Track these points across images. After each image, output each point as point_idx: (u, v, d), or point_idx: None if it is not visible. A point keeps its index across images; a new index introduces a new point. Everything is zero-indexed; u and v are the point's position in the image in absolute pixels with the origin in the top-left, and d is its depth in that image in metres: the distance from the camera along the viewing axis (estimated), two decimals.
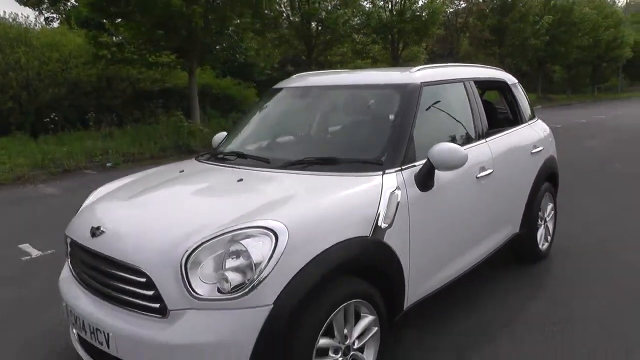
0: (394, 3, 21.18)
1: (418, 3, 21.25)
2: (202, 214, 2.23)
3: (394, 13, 20.63)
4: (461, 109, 3.30)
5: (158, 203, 2.54)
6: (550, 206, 4.22)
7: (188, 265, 1.93)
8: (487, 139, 3.37)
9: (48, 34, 14.00)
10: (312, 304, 2.01)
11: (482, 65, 4.22)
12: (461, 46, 29.67)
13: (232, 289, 1.89)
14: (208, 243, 1.96)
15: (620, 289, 3.56)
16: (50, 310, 3.49)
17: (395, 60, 22.28)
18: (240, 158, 2.98)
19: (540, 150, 4.03)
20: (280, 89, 3.57)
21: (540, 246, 4.06)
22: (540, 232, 4.06)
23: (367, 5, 20.69)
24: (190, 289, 1.92)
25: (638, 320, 3.09)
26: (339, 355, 2.19)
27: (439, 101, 3.06)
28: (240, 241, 1.94)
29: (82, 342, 2.38)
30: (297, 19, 17.10)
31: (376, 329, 2.36)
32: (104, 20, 12.66)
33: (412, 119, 2.76)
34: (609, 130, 14.10)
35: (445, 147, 2.58)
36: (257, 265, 1.91)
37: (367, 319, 2.31)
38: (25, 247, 4.92)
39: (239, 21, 13.53)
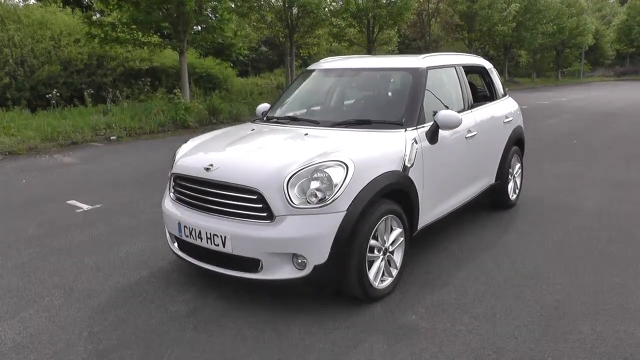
0: None
1: None
2: (291, 153, 3.15)
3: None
4: (453, 87, 4.30)
5: (253, 147, 3.46)
6: (517, 165, 5.30)
7: (289, 185, 2.86)
8: (472, 110, 4.39)
9: (37, 12, 14.32)
10: (368, 213, 2.97)
11: (467, 53, 5.23)
12: (432, 31, 30.77)
13: (318, 201, 2.84)
14: (302, 170, 2.89)
15: (568, 226, 4.65)
16: (128, 242, 4.37)
17: (371, 44, 23.25)
18: (294, 121, 3.92)
19: (511, 120, 5.08)
20: (313, 70, 4.52)
21: (510, 196, 5.13)
22: (511, 185, 5.13)
23: None
24: (290, 201, 2.85)
25: (579, 247, 4.18)
26: (380, 253, 3.18)
27: (439, 80, 4.06)
28: (324, 169, 2.88)
29: (184, 248, 3.31)
30: (279, 3, 17.79)
31: (402, 239, 3.34)
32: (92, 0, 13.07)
33: (422, 93, 3.74)
34: (569, 111, 15.49)
35: (447, 113, 3.58)
36: (335, 185, 2.86)
37: (396, 231, 3.29)
38: (74, 202, 5.69)
39: (231, 5, 14.16)
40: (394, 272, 3.31)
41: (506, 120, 4.96)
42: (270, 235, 2.87)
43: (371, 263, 3.12)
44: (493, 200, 5.05)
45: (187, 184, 3.29)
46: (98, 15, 13.76)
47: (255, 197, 2.92)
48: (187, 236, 3.21)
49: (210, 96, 14.53)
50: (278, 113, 4.23)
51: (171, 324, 3.01)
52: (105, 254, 4.14)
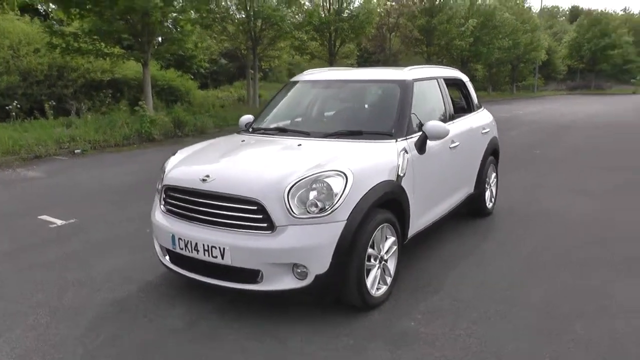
0: (331, 2, 22.44)
1: (354, 3, 22.66)
2: (289, 164, 3.15)
3: (331, 12, 21.87)
4: (436, 99, 4.43)
5: (249, 158, 3.46)
6: (493, 175, 5.48)
7: (289, 195, 2.87)
8: (454, 121, 4.53)
9: None
10: (367, 222, 3.00)
11: (446, 67, 5.39)
12: (392, 44, 31.42)
13: (318, 211, 2.86)
14: (302, 180, 2.90)
15: (542, 232, 4.84)
16: (109, 256, 4.26)
17: (332, 57, 23.54)
18: (282, 132, 3.93)
19: (488, 131, 5.26)
20: (297, 82, 4.55)
21: (487, 204, 5.30)
22: (487, 193, 5.29)
23: (307, 4, 21.79)
24: (290, 211, 2.86)
25: (555, 252, 4.36)
26: (376, 262, 3.22)
27: (424, 92, 4.17)
28: (324, 179, 2.90)
29: (176, 261, 3.27)
30: (243, 16, 17.80)
31: (395, 247, 3.40)
32: (51, 9, 12.72)
33: (410, 104, 3.83)
34: (527, 123, 16.09)
35: (435, 123, 3.68)
36: (336, 195, 2.88)
37: (390, 240, 3.34)
38: (46, 217, 5.48)
39: (193, 15, 14.06)
40: (389, 280, 3.36)
41: (484, 131, 5.13)
42: (271, 246, 2.86)
43: (368, 272, 3.15)
44: (471, 209, 5.19)
45: (181, 196, 3.25)
46: (56, 25, 13.33)
47: (255, 207, 2.92)
48: (181, 249, 3.16)
49: (172, 109, 14.36)
50: (265, 124, 4.23)
51: (169, 338, 2.95)
52: (87, 270, 4.02)
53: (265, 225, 2.91)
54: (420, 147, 3.68)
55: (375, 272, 3.21)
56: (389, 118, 3.77)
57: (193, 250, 3.08)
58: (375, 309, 3.23)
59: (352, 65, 32.88)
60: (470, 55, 34.28)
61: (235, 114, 16.23)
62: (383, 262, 3.29)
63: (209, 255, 3.01)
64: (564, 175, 7.61)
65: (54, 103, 12.28)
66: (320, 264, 2.87)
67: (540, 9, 47.19)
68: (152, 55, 13.21)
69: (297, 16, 20.24)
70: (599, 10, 44.88)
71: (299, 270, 2.91)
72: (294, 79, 4.67)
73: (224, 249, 2.95)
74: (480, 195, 5.09)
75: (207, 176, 3.10)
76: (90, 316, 3.24)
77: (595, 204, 5.86)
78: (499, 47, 34.14)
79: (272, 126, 4.13)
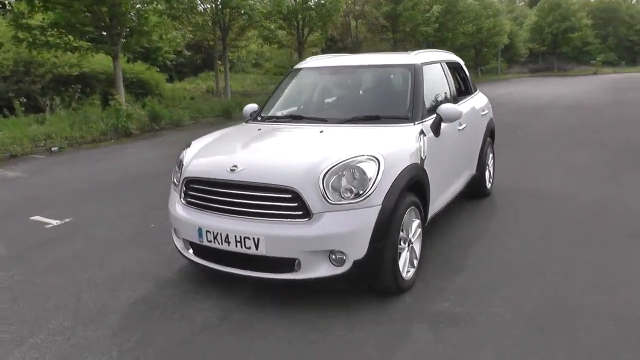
0: None
1: None
2: (319, 150, 3.10)
3: (298, 1, 21.71)
4: (442, 82, 4.44)
5: (274, 146, 3.42)
6: (491, 155, 5.55)
7: (324, 182, 2.83)
8: (459, 104, 4.55)
9: None
10: (398, 205, 2.99)
11: (445, 51, 5.41)
12: (359, 32, 31.42)
13: (353, 196, 2.84)
14: (336, 166, 2.87)
15: (543, 210, 4.95)
16: (117, 255, 4.13)
17: (301, 46, 23.41)
18: (297, 119, 3.88)
19: (486, 113, 5.32)
20: (301, 69, 4.49)
21: (487, 185, 5.38)
22: (487, 174, 5.38)
23: None
24: (326, 198, 2.82)
25: (536, 217, 4.48)
26: (406, 245, 3.22)
27: (431, 76, 4.18)
28: (357, 164, 2.88)
29: (202, 254, 3.21)
30: (212, 5, 17.45)
31: (420, 230, 3.41)
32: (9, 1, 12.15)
33: (422, 88, 3.84)
34: (500, 105, 16.38)
35: (449, 106, 3.71)
36: (370, 179, 2.86)
37: (416, 222, 3.34)
38: (39, 218, 5.27)
39: (161, 7, 13.69)
40: (415, 263, 3.37)
41: (483, 113, 5.19)
42: (309, 234, 2.83)
43: (399, 255, 3.16)
44: (472, 190, 5.25)
45: (207, 187, 3.16)
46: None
47: (289, 195, 2.87)
48: (209, 241, 3.09)
49: (143, 102, 13.98)
50: (276, 112, 4.16)
51: (206, 334, 2.88)
52: (98, 269, 3.88)
53: (300, 213, 2.86)
54: (436, 129, 3.69)
55: (405, 255, 3.22)
56: (403, 102, 3.76)
57: (223, 242, 3.01)
58: (406, 292, 3.24)
59: (318, 54, 32.83)
60: (435, 41, 34.68)
61: (208, 105, 16.02)
62: (411, 245, 3.29)
63: (241, 247, 2.95)
64: (551, 154, 7.78)
65: (24, 100, 11.77)
66: (358, 250, 2.86)
67: None
68: (122, 47, 12.80)
69: (265, 5, 19.94)
70: None
71: (336, 257, 2.88)
72: (298, 66, 4.60)
73: (258, 239, 2.89)
74: (482, 176, 5.16)
75: (235, 166, 3.03)
76: (116, 316, 3.13)
77: (591, 182, 6.02)
78: (464, 33, 34.71)
79: (285, 113, 4.07)
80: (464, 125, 4.35)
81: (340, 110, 3.98)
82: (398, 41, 32.82)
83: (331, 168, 2.88)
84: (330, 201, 2.84)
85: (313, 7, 21.68)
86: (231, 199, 3.03)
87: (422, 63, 4.05)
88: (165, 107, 13.41)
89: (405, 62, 4.06)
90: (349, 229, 2.83)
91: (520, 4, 56.32)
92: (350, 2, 29.66)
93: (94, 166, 8.11)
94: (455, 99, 4.53)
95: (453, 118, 3.69)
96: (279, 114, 4.13)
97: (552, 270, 3.55)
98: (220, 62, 20.30)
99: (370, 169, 2.90)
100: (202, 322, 3.01)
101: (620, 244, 4.01)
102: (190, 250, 3.33)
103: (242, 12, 16.30)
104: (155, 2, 12.87)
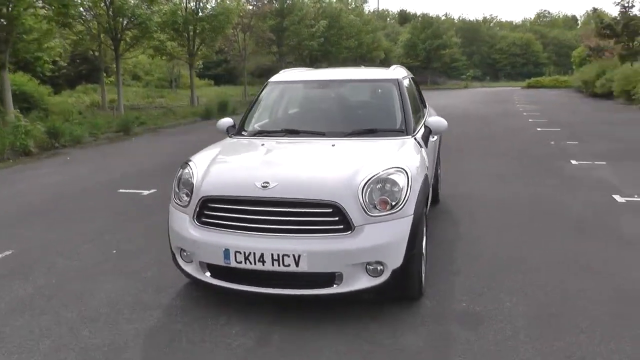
0: (187, 1, 21.77)
1: (212, 2, 22.30)
2: (348, 164, 3.19)
3: (189, 12, 21.23)
4: (413, 96, 4.72)
5: (298, 161, 3.39)
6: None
7: (363, 195, 2.90)
8: (426, 115, 4.88)
9: None
10: (423, 213, 3.17)
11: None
12: (247, 45, 31.37)
13: (390, 207, 2.94)
14: (372, 179, 2.96)
15: (485, 209, 5.48)
16: (95, 286, 3.81)
17: (192, 57, 22.88)
18: (292, 133, 3.87)
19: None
20: (280, 82, 4.51)
21: (438, 192, 5.78)
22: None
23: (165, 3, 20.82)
24: (366, 211, 2.89)
25: (483, 219, 4.99)
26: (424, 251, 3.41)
27: (408, 89, 4.44)
28: (390, 176, 2.98)
29: (222, 276, 3.10)
30: (102, 12, 16.37)
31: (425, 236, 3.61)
32: None
33: (408, 102, 4.06)
34: None
35: (436, 118, 4.00)
36: (402, 190, 2.98)
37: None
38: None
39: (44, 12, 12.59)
40: (424, 268, 3.55)
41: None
42: (352, 247, 2.87)
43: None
44: (432, 197, 5.61)
45: (232, 206, 3.05)
46: None
47: (330, 210, 2.89)
48: (238, 262, 2.98)
49: (30, 117, 12.67)
50: (265, 127, 4.11)
51: (254, 358, 2.77)
52: (82, 304, 3.51)
53: (341, 227, 2.89)
54: (426, 141, 3.94)
55: (423, 261, 3.39)
56: (395, 115, 3.95)
57: (257, 262, 2.93)
58: (423, 297, 3.39)
59: (205, 66, 32.36)
60: (319, 55, 35.96)
61: (104, 121, 14.90)
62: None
63: (279, 265, 2.90)
64: (469, 161, 8.49)
65: None
66: (396, 259, 2.96)
67: (373, 12, 51.05)
68: (12, 55, 11.54)
69: (161, 15, 19.18)
70: (431, 15, 50.46)
71: (373, 268, 2.95)
72: (275, 79, 4.57)
73: (298, 255, 2.86)
74: (437, 184, 5.54)
75: (267, 182, 2.97)
76: (136, 352, 2.88)
77: (519, 184, 6.71)
78: (346, 47, 36.42)
79: (276, 128, 4.03)
80: (435, 137, 4.66)
81: (336, 124, 4.05)
82: (283, 54, 33.44)
83: (368, 181, 2.96)
84: (370, 213, 2.91)
85: (205, 18, 21.27)
86: (263, 217, 2.97)
87: (402, 77, 4.29)
88: (61, 123, 12.27)
89: (389, 77, 4.28)
90: (388, 240, 2.93)
91: (392, 22, 60.24)
92: (240, 15, 29.64)
93: (6, 190, 7.21)
94: (423, 112, 4.85)
95: (441, 130, 3.97)
96: (268, 128, 4.08)
97: (536, 259, 3.96)
98: (105, 74, 19.02)
99: (401, 181, 3.03)
100: (241, 346, 2.89)
101: (568, 232, 4.58)
102: (208, 273, 3.17)
103: (138, 21, 15.51)
104: (45, 7, 11.79)
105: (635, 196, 5.79)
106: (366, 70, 4.71)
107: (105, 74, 21.41)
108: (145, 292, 3.66)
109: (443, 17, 49.90)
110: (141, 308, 3.41)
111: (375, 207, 2.95)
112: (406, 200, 3.00)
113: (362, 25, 37.80)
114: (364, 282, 2.95)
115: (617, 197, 5.77)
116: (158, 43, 21.20)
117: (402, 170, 3.08)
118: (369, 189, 2.96)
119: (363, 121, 4.04)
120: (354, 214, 2.89)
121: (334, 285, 2.94)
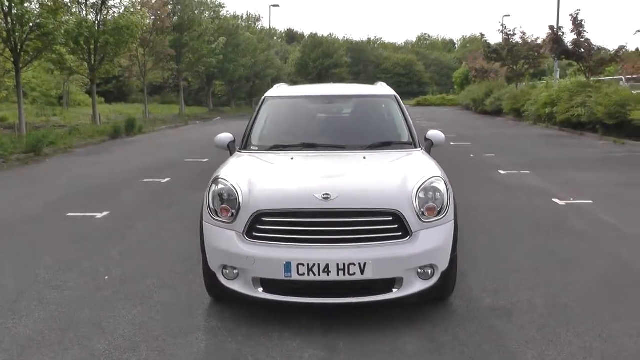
0: (86, 14, 20.58)
1: (113, 14, 21.30)
2: (393, 174, 3.44)
3: (90, 24, 20.06)
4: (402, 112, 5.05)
5: (348, 173, 3.53)
6: None
7: (417, 202, 3.11)
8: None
9: None
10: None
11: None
12: (147, 60, 30.20)
13: (437, 213, 3.18)
14: (421, 187, 3.19)
15: (483, 215, 5.90)
16: (108, 314, 3.63)
17: (93, 72, 21.58)
18: (310, 147, 4.00)
19: None
20: (283, 97, 4.69)
21: None
22: None
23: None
24: (420, 217, 3.10)
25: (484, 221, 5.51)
26: None
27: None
28: (433, 184, 3.24)
29: (276, 291, 3.14)
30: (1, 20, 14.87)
31: None
32: None
33: (408, 116, 4.38)
34: None
35: (436, 132, 4.35)
36: (444, 197, 3.24)
37: None
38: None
39: None
40: None
41: None
42: (412, 252, 3.07)
43: None
44: None
45: (291, 219, 3.09)
46: None
47: (390, 218, 3.06)
48: (301, 275, 3.02)
49: None
50: (278, 142, 4.18)
51: None
52: (107, 335, 3.28)
53: (400, 233, 3.08)
54: (428, 152, 4.26)
55: None
56: (401, 129, 4.27)
57: (321, 273, 3.00)
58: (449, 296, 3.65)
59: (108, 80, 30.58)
60: (216, 72, 35.75)
61: (8, 140, 13.29)
62: None
63: (345, 274, 3.00)
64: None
65: None
66: (444, 262, 3.21)
67: (262, 30, 51.60)
68: None
69: (68, 26, 17.84)
70: (321, 35, 52.13)
71: (424, 271, 3.16)
72: (274, 94, 4.69)
73: (364, 264, 2.99)
74: None
75: (327, 194, 3.06)
76: None
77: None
78: (243, 65, 36.63)
79: (292, 143, 4.11)
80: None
81: (351, 138, 4.19)
82: (182, 71, 32.68)
83: (419, 189, 3.18)
84: (423, 220, 3.13)
85: (109, 31, 20.18)
86: (325, 228, 3.06)
87: (395, 94, 4.60)
88: None
89: (387, 93, 4.60)
90: (439, 244, 3.18)
91: (279, 40, 61.20)
92: (146, 29, 28.47)
93: None
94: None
95: (442, 142, 4.32)
96: (283, 143, 4.15)
97: (526, 257, 4.42)
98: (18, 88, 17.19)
99: (442, 188, 3.30)
100: (313, 357, 2.92)
101: (534, 232, 5.16)
102: (261, 289, 3.16)
103: (43, 32, 14.31)
104: None
105: (572, 199, 6.63)
106: (360, 87, 4.97)
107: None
108: (170, 316, 3.52)
109: (328, 37, 52.00)
110: (180, 332, 3.28)
111: (423, 213, 3.17)
112: (449, 207, 3.27)
113: (258, 43, 38.33)
114: (418, 285, 3.15)
115: (557, 201, 6.57)
116: (57, 56, 19.76)
117: (440, 178, 3.35)
118: (421, 196, 3.18)
119: (376, 135, 4.26)
120: (411, 220, 3.10)
121: (394, 290, 3.10)
